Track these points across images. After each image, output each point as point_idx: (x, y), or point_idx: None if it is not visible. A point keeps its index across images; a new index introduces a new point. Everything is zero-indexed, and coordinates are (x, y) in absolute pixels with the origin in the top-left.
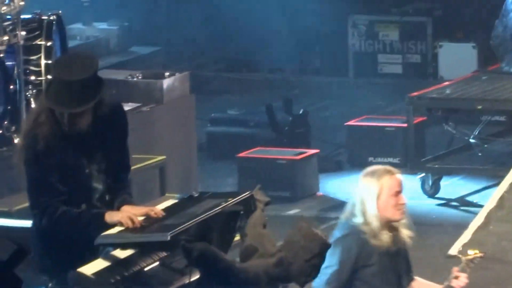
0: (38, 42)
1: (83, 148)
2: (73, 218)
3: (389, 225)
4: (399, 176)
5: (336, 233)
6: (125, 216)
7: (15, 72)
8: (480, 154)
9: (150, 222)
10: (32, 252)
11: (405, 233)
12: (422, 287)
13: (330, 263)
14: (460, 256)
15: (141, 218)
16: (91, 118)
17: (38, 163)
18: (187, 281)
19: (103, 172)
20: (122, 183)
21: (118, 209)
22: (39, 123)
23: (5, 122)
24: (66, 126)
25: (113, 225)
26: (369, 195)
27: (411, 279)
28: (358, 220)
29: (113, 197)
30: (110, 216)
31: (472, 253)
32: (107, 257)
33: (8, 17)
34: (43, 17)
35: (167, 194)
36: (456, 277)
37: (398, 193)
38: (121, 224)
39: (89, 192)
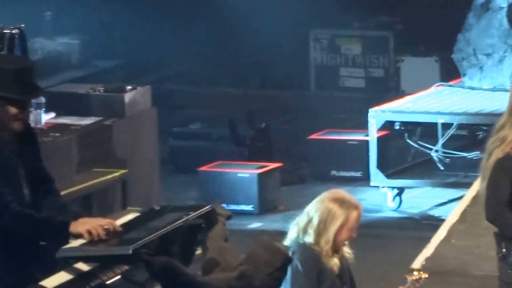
0: None
1: (15, 151)
2: (38, 220)
3: (336, 249)
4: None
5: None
6: (89, 227)
7: None
8: (442, 168)
9: (111, 235)
10: None
11: (346, 250)
12: None
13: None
14: (405, 276)
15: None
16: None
17: None
18: None
19: (28, 178)
20: (53, 192)
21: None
22: None
23: None
24: (9, 122)
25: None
26: (331, 222)
27: None
28: (310, 239)
29: (41, 205)
30: (74, 227)
31: (416, 274)
32: (69, 270)
33: None
34: (5, 31)
35: (128, 208)
36: None
37: (355, 227)
38: (82, 236)
39: (21, 197)
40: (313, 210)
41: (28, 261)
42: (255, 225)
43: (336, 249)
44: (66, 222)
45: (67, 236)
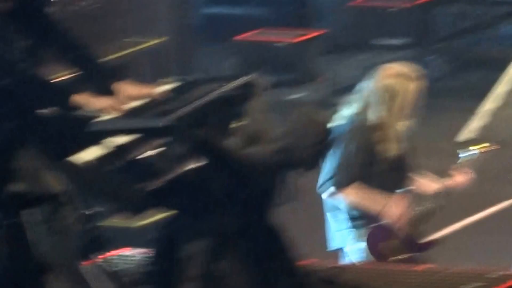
0: None
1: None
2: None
3: (396, 131)
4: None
5: (344, 126)
6: (109, 104)
7: None
8: None
9: (146, 106)
10: None
11: (405, 125)
12: (422, 187)
13: (340, 154)
14: (470, 146)
15: (138, 102)
16: None
17: None
18: (186, 169)
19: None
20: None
21: (109, 90)
22: None
23: None
24: None
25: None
26: (391, 98)
27: (411, 180)
28: (365, 117)
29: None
30: (93, 102)
31: (483, 145)
32: (98, 145)
33: None
34: None
35: (163, 79)
36: (458, 173)
37: (416, 99)
38: (106, 110)
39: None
40: (368, 87)
41: (53, 136)
42: (295, 95)
43: (393, 128)
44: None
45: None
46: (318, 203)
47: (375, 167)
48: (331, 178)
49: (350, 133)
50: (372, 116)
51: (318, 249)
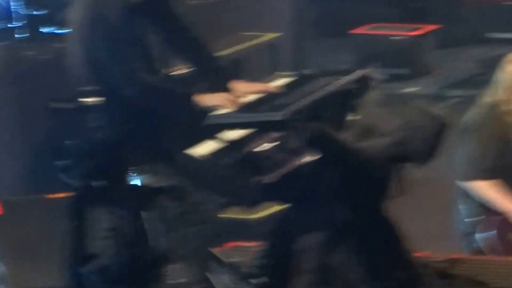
0: None
1: (149, 17)
2: (166, 89)
3: None
4: None
5: (475, 117)
6: (225, 99)
7: None
8: None
9: (262, 100)
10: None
11: None
12: None
13: (473, 145)
14: None
15: (253, 96)
16: None
17: (117, 33)
18: (301, 162)
19: (166, 46)
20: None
21: (225, 86)
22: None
23: None
24: None
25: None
26: None
27: None
28: (497, 107)
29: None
30: (209, 98)
31: None
32: (215, 139)
33: None
34: None
35: (278, 73)
36: None
37: None
38: (223, 105)
39: (159, 67)
40: (497, 76)
41: (169, 130)
42: (410, 89)
43: None
44: (192, 93)
45: (195, 106)
46: (432, 195)
47: (510, 157)
48: (464, 168)
49: (483, 124)
50: (505, 105)
51: (433, 242)
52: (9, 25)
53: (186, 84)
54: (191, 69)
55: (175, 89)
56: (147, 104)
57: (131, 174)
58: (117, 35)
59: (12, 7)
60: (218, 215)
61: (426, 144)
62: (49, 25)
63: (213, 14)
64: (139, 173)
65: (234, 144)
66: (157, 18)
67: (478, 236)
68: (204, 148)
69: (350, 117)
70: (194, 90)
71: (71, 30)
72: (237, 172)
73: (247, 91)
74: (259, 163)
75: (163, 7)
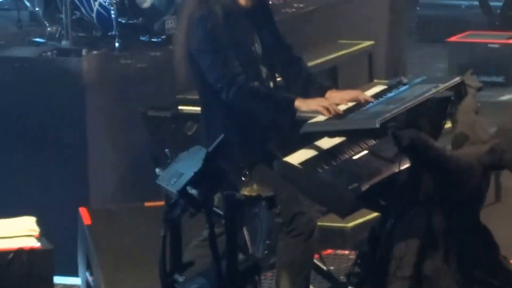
0: None
1: (248, 25)
2: (264, 94)
3: None
4: None
5: None
6: (321, 105)
7: None
8: None
9: (358, 108)
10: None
11: None
12: None
13: None
14: None
15: (349, 104)
16: None
17: (217, 38)
18: (397, 170)
19: (264, 54)
20: (297, 62)
21: (321, 95)
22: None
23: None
24: None
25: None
26: None
27: None
28: None
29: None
30: (306, 104)
31: None
32: (311, 147)
33: None
34: None
35: (375, 80)
36: None
37: None
38: (320, 112)
39: (257, 74)
40: None
41: (267, 137)
42: (507, 97)
43: None
44: (290, 98)
45: (293, 113)
46: None
47: None
48: None
49: None
50: None
51: None
52: (109, 33)
53: (285, 91)
54: (287, 76)
55: (274, 95)
56: (247, 109)
57: (229, 182)
58: (222, 37)
59: (112, 16)
60: (316, 223)
61: None
62: (148, 34)
63: (311, 21)
64: (237, 181)
65: (330, 152)
66: (261, 25)
67: None
68: (301, 156)
69: (446, 124)
70: (292, 97)
71: (177, 31)
72: (333, 180)
73: (343, 98)
74: (355, 170)
75: (266, 14)
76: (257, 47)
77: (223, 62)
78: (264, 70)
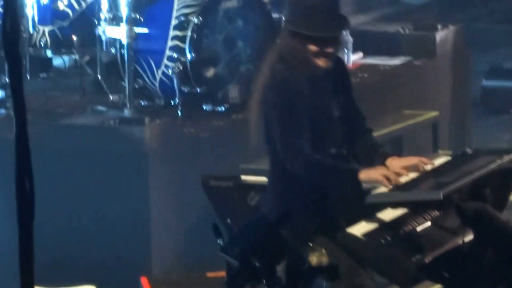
0: None
1: (328, 87)
2: (328, 168)
3: None
4: None
5: None
6: (382, 174)
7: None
8: None
9: (420, 178)
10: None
11: None
12: None
13: None
14: None
15: (411, 174)
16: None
17: (295, 105)
18: (461, 242)
19: (341, 118)
20: (366, 131)
21: (381, 163)
22: (285, 64)
23: None
24: (314, 60)
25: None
26: None
27: None
28: None
29: (356, 145)
30: (367, 174)
31: None
32: (373, 218)
33: None
34: None
35: (439, 151)
36: None
37: None
38: (382, 183)
39: (335, 138)
40: None
41: (331, 208)
42: None
43: None
44: (354, 169)
45: (358, 184)
46: None
47: None
48: None
49: None
50: None
51: None
52: (171, 102)
53: (348, 161)
54: (357, 145)
55: (339, 167)
56: (312, 181)
57: (293, 251)
58: (301, 103)
59: (175, 85)
60: None
61: None
62: (211, 103)
63: (375, 91)
64: (300, 251)
65: (393, 223)
66: (339, 88)
67: None
68: (363, 227)
69: (511, 195)
70: (356, 168)
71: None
72: (396, 251)
73: (403, 166)
74: (418, 242)
75: (344, 78)
76: (335, 111)
77: (293, 131)
78: (340, 134)
